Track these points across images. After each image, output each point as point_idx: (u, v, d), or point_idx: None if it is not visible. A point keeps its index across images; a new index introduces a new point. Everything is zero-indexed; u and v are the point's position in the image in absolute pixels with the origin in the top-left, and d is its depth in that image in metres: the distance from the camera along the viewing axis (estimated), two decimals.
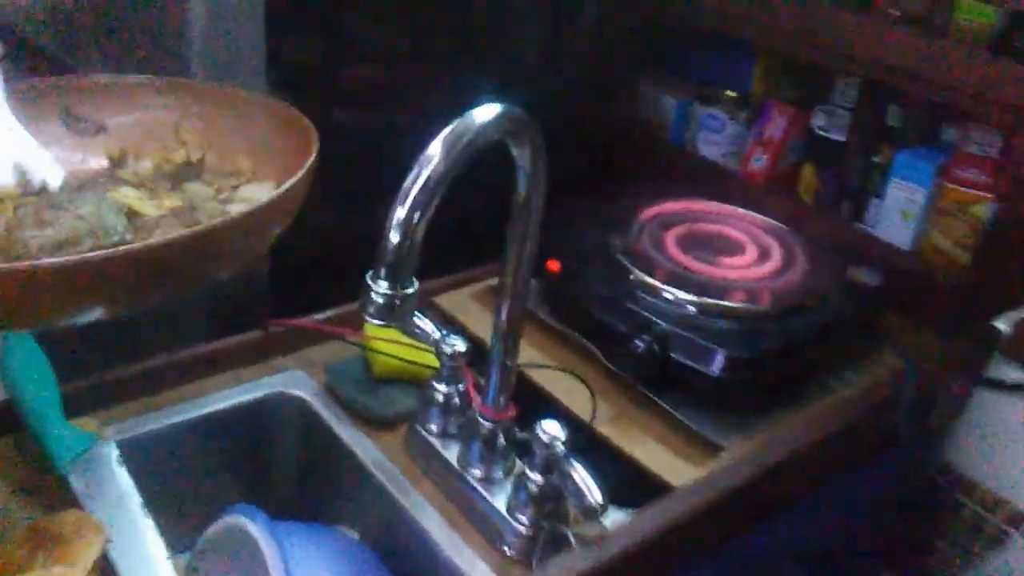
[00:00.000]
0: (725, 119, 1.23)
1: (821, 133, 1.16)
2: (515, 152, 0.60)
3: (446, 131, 0.54)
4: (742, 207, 1.03)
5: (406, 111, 1.13)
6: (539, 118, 0.59)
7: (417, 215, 0.52)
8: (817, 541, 0.84)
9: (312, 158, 0.72)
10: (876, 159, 1.12)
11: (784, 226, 0.99)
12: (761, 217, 0.99)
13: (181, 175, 0.82)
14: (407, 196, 0.53)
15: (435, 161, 0.53)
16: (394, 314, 0.53)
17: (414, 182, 0.53)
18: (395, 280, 0.52)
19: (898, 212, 1.09)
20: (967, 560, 0.93)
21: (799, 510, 0.81)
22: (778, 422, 0.83)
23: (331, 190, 1.05)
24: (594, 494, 0.64)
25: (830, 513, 0.84)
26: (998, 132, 1.00)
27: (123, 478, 0.70)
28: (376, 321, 0.53)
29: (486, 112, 0.56)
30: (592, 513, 0.63)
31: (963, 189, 1.03)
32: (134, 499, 0.68)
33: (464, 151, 0.54)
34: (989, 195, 1.00)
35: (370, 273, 0.53)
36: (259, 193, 0.78)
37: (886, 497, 0.92)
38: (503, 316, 0.68)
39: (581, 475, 0.65)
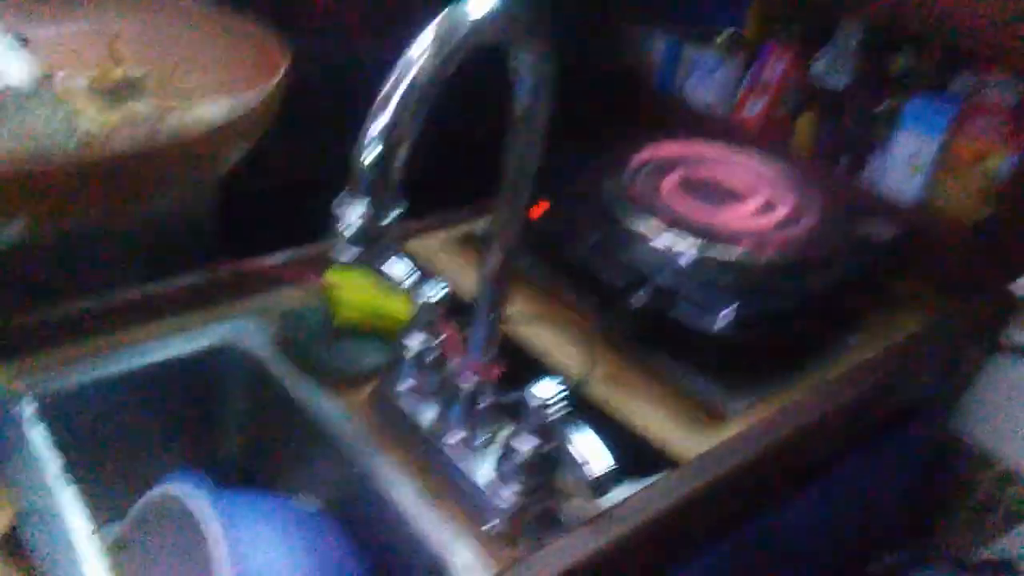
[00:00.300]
0: (718, 62, 1.14)
1: (821, 80, 1.08)
2: (517, 58, 0.50)
3: (436, 24, 0.44)
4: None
5: (374, 39, 1.02)
6: None
7: (403, 122, 0.42)
8: (827, 521, 0.77)
9: (282, 71, 0.61)
10: (881, 108, 1.05)
11: (790, 172, 0.90)
12: (765, 163, 0.91)
13: (121, 94, 0.70)
14: (389, 99, 0.42)
15: (419, 63, 0.43)
16: (373, 245, 0.43)
17: (398, 84, 0.43)
18: (375, 202, 0.42)
19: (905, 164, 1.01)
20: (981, 536, 0.87)
21: (809, 487, 0.73)
22: (788, 387, 0.75)
23: (290, 119, 0.94)
24: (599, 464, 0.55)
25: (842, 489, 0.77)
26: (1017, 79, 0.93)
27: (39, 439, 0.59)
28: (350, 252, 0.43)
29: (477, 4, 0.45)
30: (599, 487, 0.54)
31: (977, 141, 0.95)
32: (52, 463, 0.58)
33: (458, 48, 0.44)
34: (1005, 147, 0.93)
35: (343, 194, 0.43)
36: (213, 113, 0.67)
37: (900, 470, 0.85)
38: (493, 258, 0.59)
39: (583, 442, 0.56)
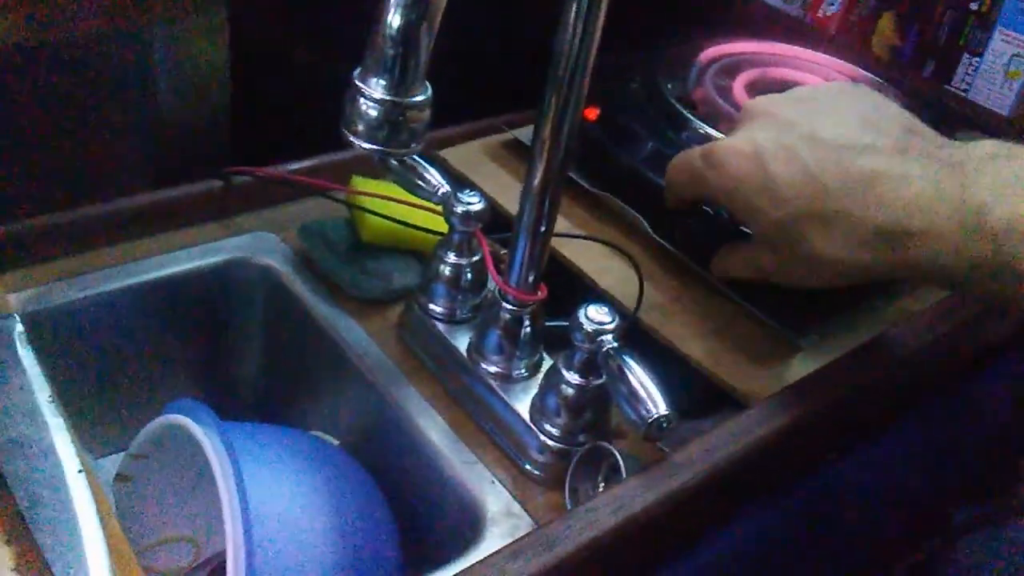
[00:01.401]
0: None
1: None
2: None
3: None
4: None
5: None
6: None
7: None
8: (901, 469, 0.69)
9: None
10: (974, 6, 0.93)
11: (871, 76, 0.80)
12: (848, 65, 0.80)
13: None
14: None
15: None
16: (395, 135, 0.35)
17: None
18: (398, 81, 0.34)
19: (1001, 71, 0.90)
20: None
21: (883, 432, 0.65)
22: (860, 320, 0.66)
23: (311, 14, 0.85)
24: (657, 404, 0.48)
25: (918, 435, 0.69)
26: None
27: (28, 362, 0.52)
28: (365, 145, 0.35)
29: None
30: (655, 430, 0.47)
31: None
32: (41, 391, 0.51)
33: None
34: None
35: (358, 71, 0.35)
36: None
37: (982, 413, 0.77)
38: (541, 165, 0.50)
39: (639, 378, 0.49)
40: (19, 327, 0.54)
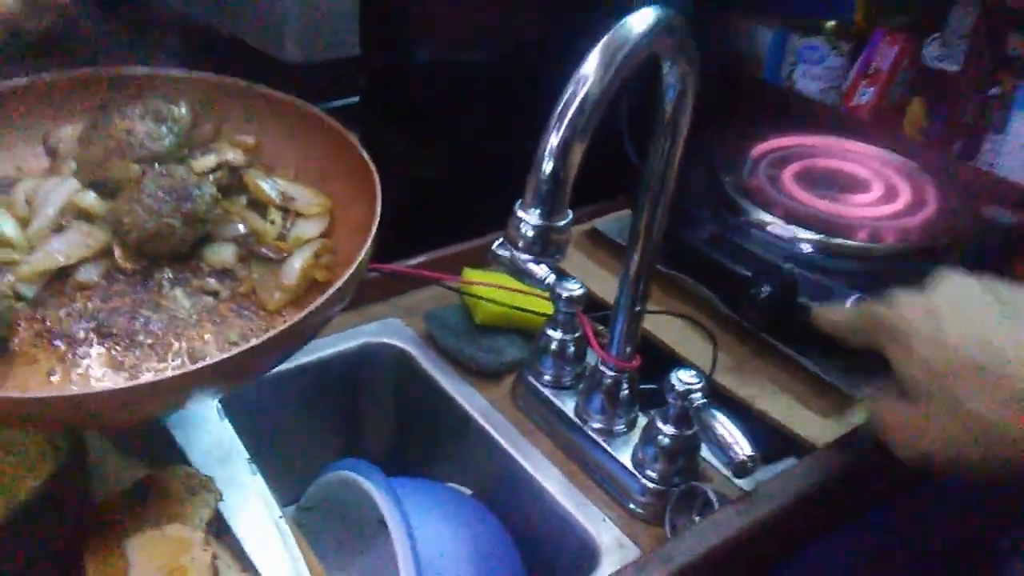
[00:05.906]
0: (826, 50, 1.15)
1: (934, 64, 1.08)
2: (666, 68, 0.53)
3: (604, 41, 0.48)
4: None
5: (485, 44, 1.06)
6: None
7: (572, 139, 0.46)
8: (952, 498, 0.78)
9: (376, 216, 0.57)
10: (995, 91, 1.04)
11: (906, 159, 0.91)
12: (884, 152, 0.92)
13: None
14: (565, 116, 0.46)
15: (591, 80, 0.47)
16: (547, 248, 0.47)
17: (568, 104, 0.47)
18: (549, 211, 0.47)
19: (1020, 148, 1.01)
20: None
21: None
22: None
23: (426, 133, 0.99)
24: (744, 447, 0.58)
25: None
26: None
27: (227, 432, 0.65)
28: (525, 256, 0.48)
29: (641, 20, 0.49)
30: (743, 468, 0.58)
31: None
32: (240, 454, 0.64)
33: (622, 65, 0.47)
34: None
35: (519, 203, 0.47)
36: (311, 230, 0.63)
37: None
38: (636, 258, 0.62)
39: (726, 426, 0.60)
40: (216, 403, 0.67)
